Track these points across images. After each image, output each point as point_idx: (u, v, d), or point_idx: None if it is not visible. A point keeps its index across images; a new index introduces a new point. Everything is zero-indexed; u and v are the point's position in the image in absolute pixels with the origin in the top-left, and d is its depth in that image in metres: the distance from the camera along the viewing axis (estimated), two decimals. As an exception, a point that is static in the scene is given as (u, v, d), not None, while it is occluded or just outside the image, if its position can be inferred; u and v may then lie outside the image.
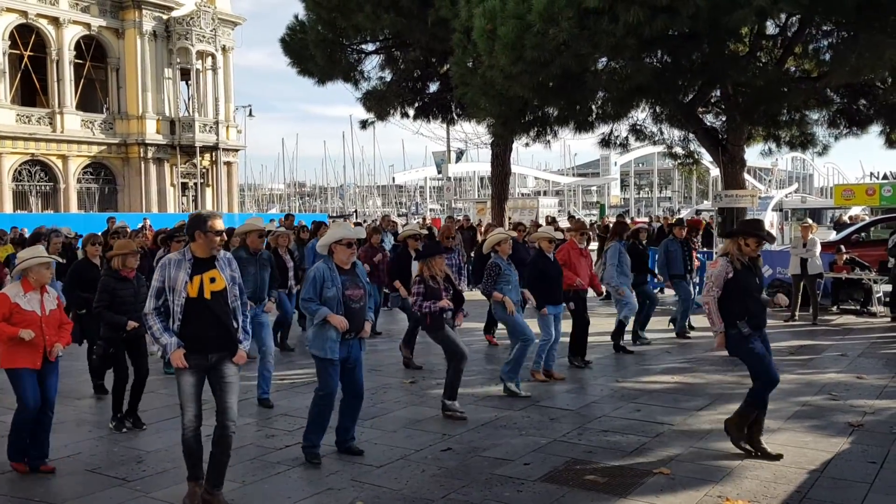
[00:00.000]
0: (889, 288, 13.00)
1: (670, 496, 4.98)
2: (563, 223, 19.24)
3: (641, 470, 5.46)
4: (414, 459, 5.78)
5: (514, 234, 9.59)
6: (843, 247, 14.28)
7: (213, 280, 4.81)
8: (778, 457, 5.62)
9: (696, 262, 12.80)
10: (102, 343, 6.96)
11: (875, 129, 16.69)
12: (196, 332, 4.76)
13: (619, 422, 6.74)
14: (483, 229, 10.89)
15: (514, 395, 7.66)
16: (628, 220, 24.15)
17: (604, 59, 13.60)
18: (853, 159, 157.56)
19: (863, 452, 5.78)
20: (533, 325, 8.15)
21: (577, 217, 21.37)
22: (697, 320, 12.09)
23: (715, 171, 54.07)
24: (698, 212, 40.84)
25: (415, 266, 9.39)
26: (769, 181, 71.49)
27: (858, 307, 13.47)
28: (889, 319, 12.44)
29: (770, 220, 30.32)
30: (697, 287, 14.10)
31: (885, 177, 50.26)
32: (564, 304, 8.64)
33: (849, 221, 27.61)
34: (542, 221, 22.33)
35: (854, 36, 12.55)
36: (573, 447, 6.01)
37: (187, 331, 4.76)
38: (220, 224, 4.84)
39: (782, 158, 70.83)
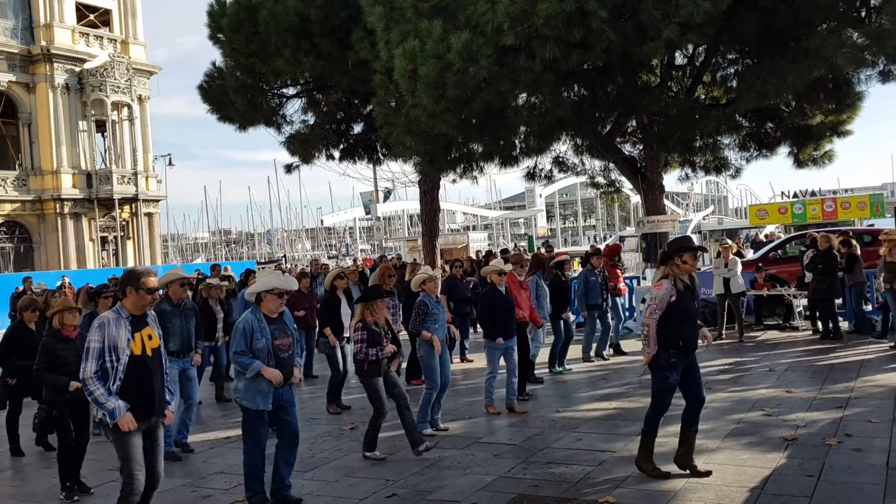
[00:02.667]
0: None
1: (618, 525, 4.98)
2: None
3: (588, 500, 5.45)
4: (358, 509, 5.63)
5: (439, 272, 9.56)
6: (762, 264, 14.80)
7: (150, 337, 4.80)
8: (707, 473, 5.75)
9: (624, 289, 13.03)
10: (44, 407, 6.66)
11: (784, 150, 17.46)
12: (138, 393, 4.67)
13: (562, 452, 6.73)
14: (409, 269, 10.78)
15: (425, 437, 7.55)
16: (557, 250, 24.55)
17: (524, 95, 13.91)
18: (763, 180, 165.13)
19: (799, 466, 5.91)
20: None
21: (512, 250, 21.53)
22: (627, 345, 12.31)
23: (635, 198, 55.59)
24: (622, 238, 41.84)
25: (345, 309, 9.24)
26: (686, 205, 73.91)
27: (781, 322, 13.93)
28: (811, 332, 12.89)
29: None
30: (629, 311, 14.38)
31: (795, 195, 52.56)
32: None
33: (764, 240, 28.67)
34: (472, 255, 22.44)
35: (758, 63, 13.18)
36: (518, 482, 5.96)
37: (130, 392, 4.64)
38: (153, 282, 4.83)
39: (697, 182, 73.42)
